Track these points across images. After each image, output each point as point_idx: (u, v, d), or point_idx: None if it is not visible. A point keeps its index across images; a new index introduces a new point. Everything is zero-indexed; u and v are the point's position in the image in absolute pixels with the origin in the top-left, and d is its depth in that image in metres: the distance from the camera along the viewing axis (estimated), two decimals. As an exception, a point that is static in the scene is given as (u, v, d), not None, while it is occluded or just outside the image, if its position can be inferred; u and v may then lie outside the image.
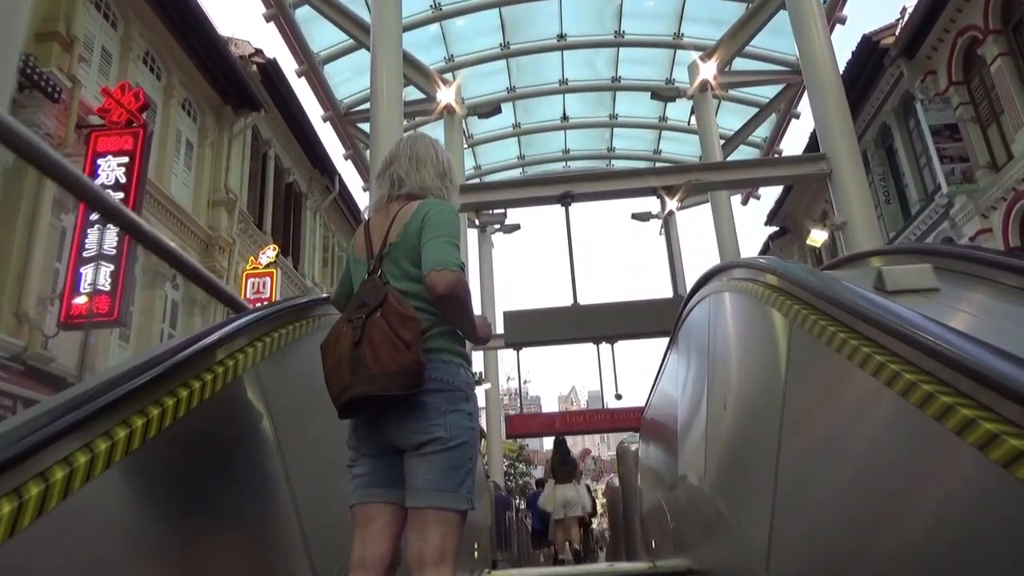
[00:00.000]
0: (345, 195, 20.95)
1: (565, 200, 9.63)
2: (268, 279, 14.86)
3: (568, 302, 8.98)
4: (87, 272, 9.31)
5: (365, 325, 1.98)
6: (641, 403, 7.98)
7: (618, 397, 14.27)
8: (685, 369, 3.57)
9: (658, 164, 20.08)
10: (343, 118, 16.85)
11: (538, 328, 8.88)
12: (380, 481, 2.07)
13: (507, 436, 14.76)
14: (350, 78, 15.71)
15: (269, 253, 15.06)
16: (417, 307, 2.04)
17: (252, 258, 15.09)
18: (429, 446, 1.99)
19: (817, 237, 11.09)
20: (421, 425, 2.00)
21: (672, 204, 12.27)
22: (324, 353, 2.07)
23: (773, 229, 25.21)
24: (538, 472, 30.78)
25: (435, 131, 17.94)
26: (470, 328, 2.18)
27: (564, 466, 10.17)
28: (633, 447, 8.94)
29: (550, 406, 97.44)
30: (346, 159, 17.96)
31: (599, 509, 19.84)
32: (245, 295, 14.74)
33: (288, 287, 17.95)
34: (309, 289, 19.24)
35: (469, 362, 2.19)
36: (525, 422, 14.45)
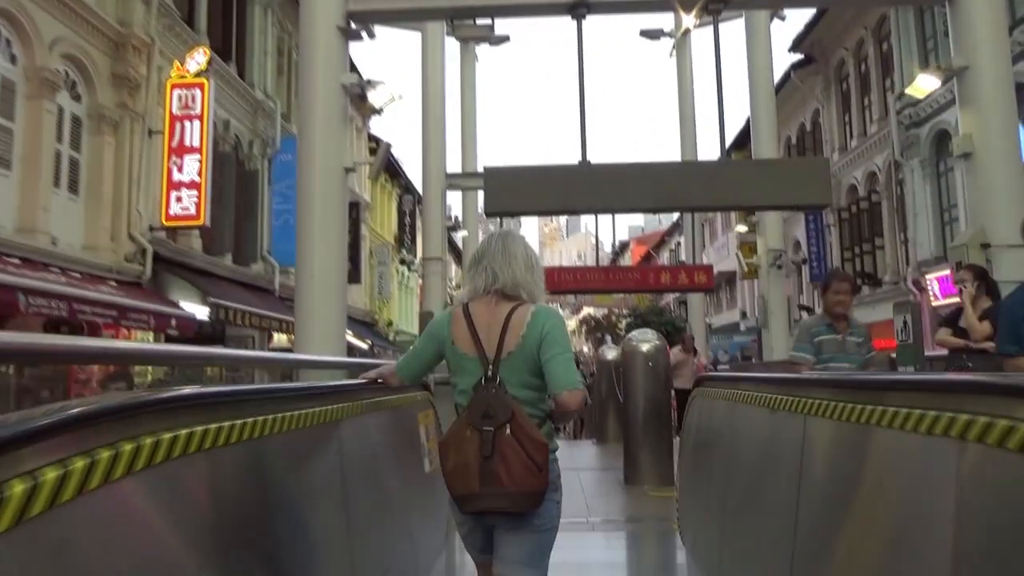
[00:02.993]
0: (302, -12, 17.45)
1: (578, 10, 6.99)
2: (199, 91, 12.12)
3: (573, 158, 6.63)
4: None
5: (495, 441, 2.13)
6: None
7: (619, 253, 12.28)
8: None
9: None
10: None
11: (534, 192, 6.59)
12: (484, 545, 2.37)
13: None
14: None
15: (199, 58, 12.18)
16: (530, 413, 2.23)
17: (178, 63, 12.22)
18: (524, 530, 2.24)
19: (924, 86, 8.56)
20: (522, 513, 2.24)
21: (689, 21, 9.63)
22: (444, 452, 2.23)
23: (797, 57, 22.15)
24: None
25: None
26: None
27: None
28: (644, 348, 7.07)
29: (529, 231, 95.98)
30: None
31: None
32: (170, 111, 12.05)
33: (231, 100, 15.11)
34: (258, 103, 16.39)
35: (556, 449, 2.33)
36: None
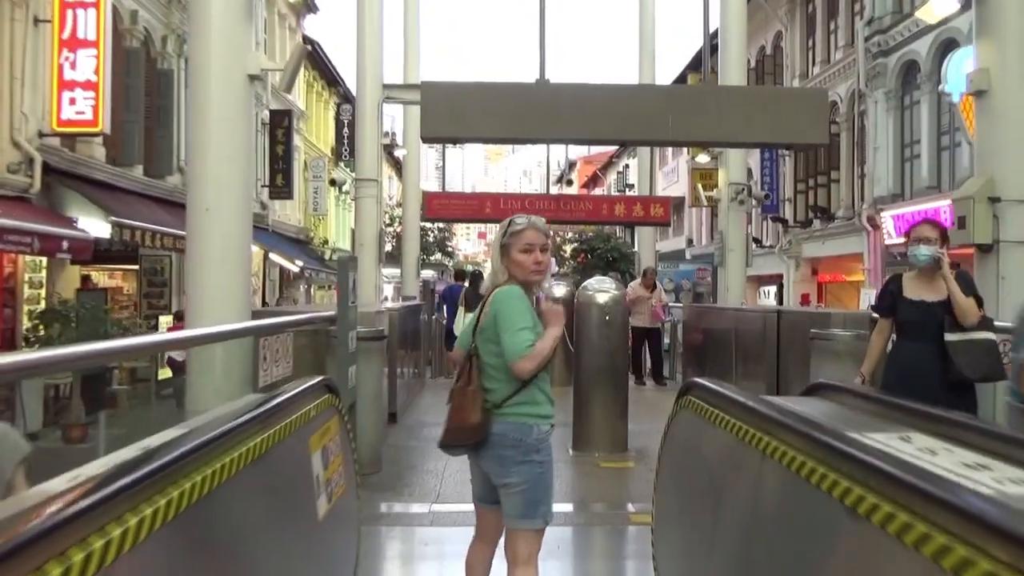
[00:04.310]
0: None
1: None
2: (93, -26, 10.35)
3: (528, 75, 5.48)
4: None
5: (455, 392, 2.73)
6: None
7: (568, 183, 11.30)
8: None
9: None
10: None
11: (481, 115, 5.49)
12: (480, 494, 2.84)
13: (425, 218, 11.86)
14: None
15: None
16: (500, 377, 2.69)
17: (68, -61, 10.40)
18: (509, 487, 2.66)
19: (940, 11, 7.48)
20: (501, 471, 2.67)
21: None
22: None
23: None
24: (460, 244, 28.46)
25: None
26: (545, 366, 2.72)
27: (476, 299, 7.96)
28: (600, 299, 6.23)
29: (473, 153, 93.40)
30: None
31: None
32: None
33: (138, -13, 13.25)
34: (169, 3, 14.47)
35: (547, 416, 2.73)
36: (446, 203, 11.44)
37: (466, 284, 10.84)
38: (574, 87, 5.74)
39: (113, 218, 10.72)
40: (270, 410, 2.04)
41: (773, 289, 23.20)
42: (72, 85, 10.39)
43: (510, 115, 5.59)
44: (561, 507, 4.78)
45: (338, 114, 28.02)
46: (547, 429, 2.70)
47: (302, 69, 25.29)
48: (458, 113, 5.50)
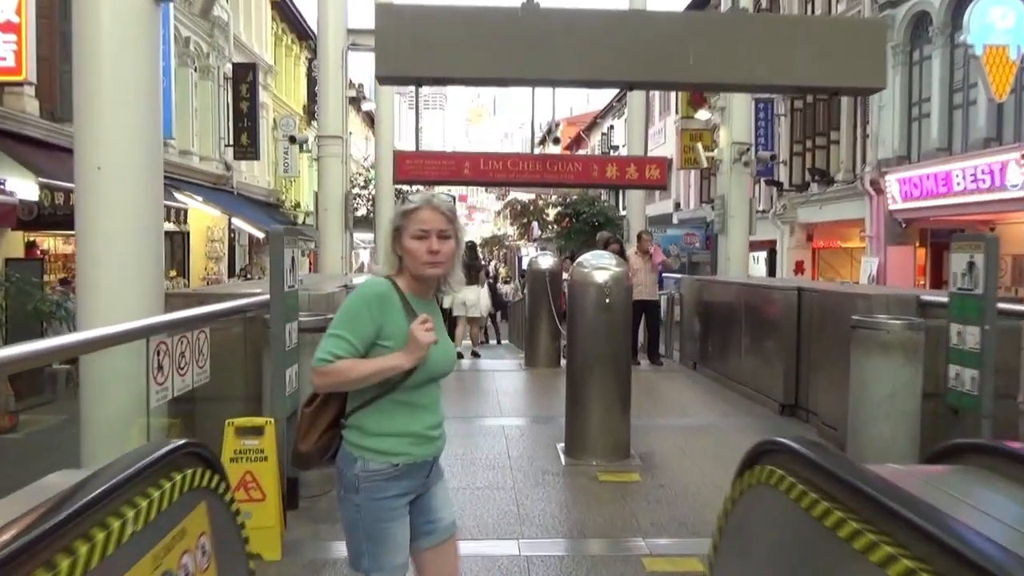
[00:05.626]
0: None
1: None
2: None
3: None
4: None
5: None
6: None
7: (556, 141, 10.23)
8: None
9: None
10: None
11: (452, 49, 4.37)
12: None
13: (397, 180, 10.73)
14: None
15: None
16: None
17: None
18: None
19: None
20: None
21: None
22: None
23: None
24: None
25: None
26: (360, 385, 2.12)
27: (467, 270, 7.06)
28: (600, 278, 5.23)
29: (455, 107, 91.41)
30: None
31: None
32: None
33: None
34: None
35: (385, 453, 2.13)
36: (420, 163, 10.31)
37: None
38: (570, 13, 4.59)
39: (42, 179, 9.52)
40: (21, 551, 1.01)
41: (764, 255, 22.31)
42: (-11, 27, 9.11)
43: (489, 48, 4.46)
44: (552, 548, 3.82)
45: (310, 70, 26.51)
46: (380, 468, 2.10)
47: (270, 21, 23.72)
48: (423, 45, 4.34)
